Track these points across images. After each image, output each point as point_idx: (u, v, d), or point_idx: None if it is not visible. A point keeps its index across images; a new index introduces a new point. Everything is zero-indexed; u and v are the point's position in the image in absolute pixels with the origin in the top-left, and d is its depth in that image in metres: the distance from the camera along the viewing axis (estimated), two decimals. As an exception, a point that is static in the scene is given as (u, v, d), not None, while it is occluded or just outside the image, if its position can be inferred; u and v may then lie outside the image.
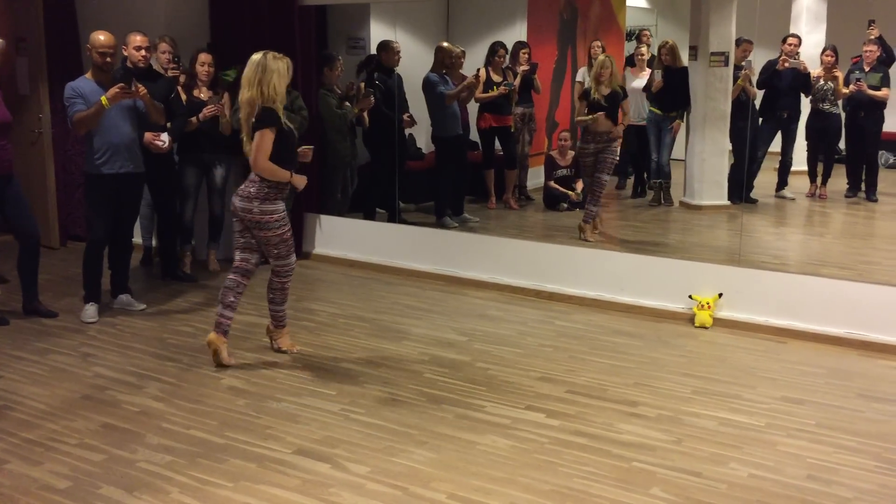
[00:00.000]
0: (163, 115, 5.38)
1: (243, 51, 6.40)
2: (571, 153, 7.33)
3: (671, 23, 8.09)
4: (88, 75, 5.16)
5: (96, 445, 3.60)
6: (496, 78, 7.24)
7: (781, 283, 5.15)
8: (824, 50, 6.85)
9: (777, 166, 7.15)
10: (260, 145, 4.28)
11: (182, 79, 6.06)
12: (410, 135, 7.65)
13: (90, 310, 5.32)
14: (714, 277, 5.31)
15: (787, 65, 6.82)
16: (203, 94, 6.11)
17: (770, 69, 6.92)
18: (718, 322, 5.22)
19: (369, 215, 7.05)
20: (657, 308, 5.46)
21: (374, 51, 7.12)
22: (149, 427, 3.78)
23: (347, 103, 6.92)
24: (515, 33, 7.69)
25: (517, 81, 7.25)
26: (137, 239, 6.43)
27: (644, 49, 7.60)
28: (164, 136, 5.58)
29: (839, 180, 7.02)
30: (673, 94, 7.08)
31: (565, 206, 7.31)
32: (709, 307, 5.21)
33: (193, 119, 5.96)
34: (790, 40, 6.89)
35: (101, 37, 5.11)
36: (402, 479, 3.31)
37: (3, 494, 3.19)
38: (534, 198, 7.77)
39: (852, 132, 6.91)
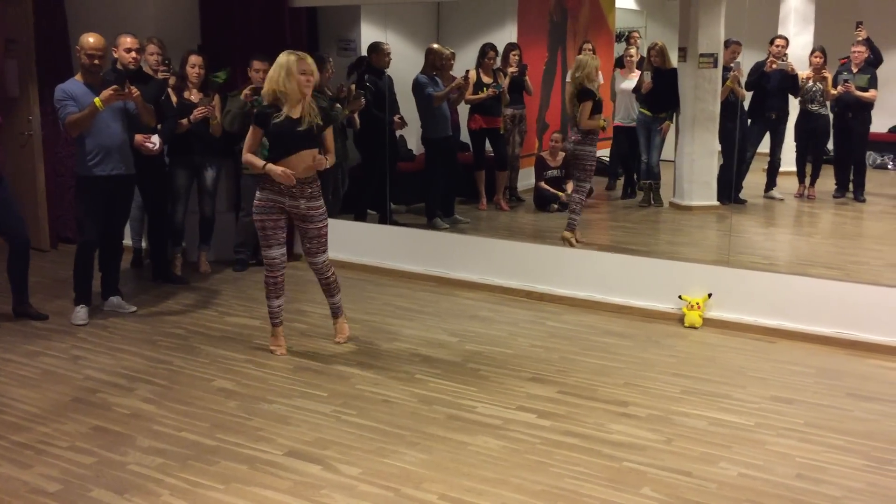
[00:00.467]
0: (153, 117, 5.37)
1: (233, 53, 6.47)
2: (562, 154, 7.35)
3: (660, 24, 8.13)
4: (77, 77, 5.15)
5: (87, 448, 3.59)
6: (486, 79, 7.26)
7: (770, 283, 5.18)
8: (813, 51, 6.89)
9: (766, 167, 7.19)
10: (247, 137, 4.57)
11: (172, 80, 6.05)
12: (401, 136, 7.66)
13: (81, 312, 5.31)
14: (704, 278, 5.33)
15: (774, 66, 6.86)
16: (193, 95, 6.11)
17: (758, 70, 6.96)
18: (708, 322, 5.24)
19: (360, 217, 7.05)
20: (647, 308, 5.48)
21: (364, 52, 7.13)
22: (139, 429, 3.77)
23: (338, 105, 6.91)
24: (506, 35, 7.71)
25: (506, 83, 7.27)
26: (127, 241, 6.41)
27: (633, 50, 7.64)
28: (155, 138, 5.57)
29: (827, 181, 7.06)
30: (662, 96, 7.11)
31: (556, 206, 7.33)
32: (698, 307, 5.23)
33: (184, 121, 5.95)
34: (778, 42, 6.93)
35: (90, 39, 5.10)
36: (394, 480, 3.32)
37: (-6, 498, 3.19)
38: (524, 199, 7.79)
39: (840, 133, 6.95)
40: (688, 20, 6.73)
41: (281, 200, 4.56)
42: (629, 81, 7.52)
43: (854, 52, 6.70)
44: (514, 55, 7.33)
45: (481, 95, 7.23)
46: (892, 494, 3.22)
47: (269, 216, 4.59)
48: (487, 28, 7.81)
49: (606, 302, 5.61)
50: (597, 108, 6.23)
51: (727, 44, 6.75)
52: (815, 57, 6.83)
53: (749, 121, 7.08)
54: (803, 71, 6.90)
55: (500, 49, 7.37)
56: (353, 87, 6.96)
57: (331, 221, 6.70)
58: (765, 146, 7.17)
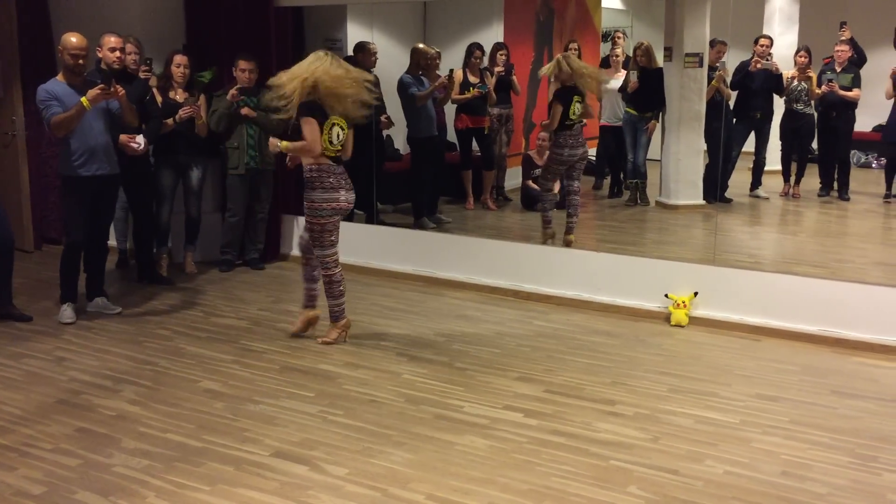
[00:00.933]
0: (136, 117, 5.34)
1: (218, 52, 6.45)
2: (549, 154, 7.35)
3: (646, 24, 8.15)
4: (59, 77, 5.10)
5: (72, 450, 3.57)
6: (473, 79, 7.26)
7: (756, 282, 5.21)
8: (798, 51, 6.93)
9: (751, 166, 7.23)
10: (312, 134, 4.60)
11: (153, 80, 6.02)
12: (388, 136, 7.65)
13: (67, 311, 5.28)
14: (690, 276, 5.35)
15: (759, 66, 6.89)
16: (179, 95, 6.08)
17: (743, 70, 6.99)
18: (694, 321, 5.26)
19: (347, 216, 7.03)
20: (634, 307, 5.49)
21: (351, 52, 7.11)
22: (125, 431, 3.75)
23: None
24: (492, 34, 7.72)
25: (493, 83, 7.27)
26: (112, 242, 6.38)
27: (619, 50, 7.65)
28: (140, 138, 5.54)
29: (812, 179, 7.10)
30: (648, 95, 7.13)
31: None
32: (685, 306, 5.25)
33: (169, 121, 5.93)
34: (762, 41, 6.96)
35: (72, 38, 5.06)
36: (381, 480, 3.31)
37: (-23, 501, 3.16)
38: (511, 198, 7.80)
39: (825, 132, 7.00)
40: (673, 20, 6.75)
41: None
42: (615, 81, 7.53)
43: (837, 51, 6.75)
44: (501, 55, 7.33)
45: (467, 95, 7.24)
46: (876, 491, 3.25)
47: (336, 218, 4.79)
48: (474, 27, 7.81)
49: (593, 301, 5.62)
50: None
51: (712, 43, 6.78)
52: (800, 56, 6.87)
53: (734, 120, 7.11)
54: (788, 70, 6.94)
55: (487, 48, 7.38)
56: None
57: (317, 221, 6.78)
58: (750, 145, 7.21)
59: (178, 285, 6.10)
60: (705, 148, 6.92)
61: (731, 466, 3.43)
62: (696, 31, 6.66)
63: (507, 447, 3.59)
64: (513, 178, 7.85)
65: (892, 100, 6.55)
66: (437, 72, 7.21)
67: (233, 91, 6.07)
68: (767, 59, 6.89)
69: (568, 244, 6.22)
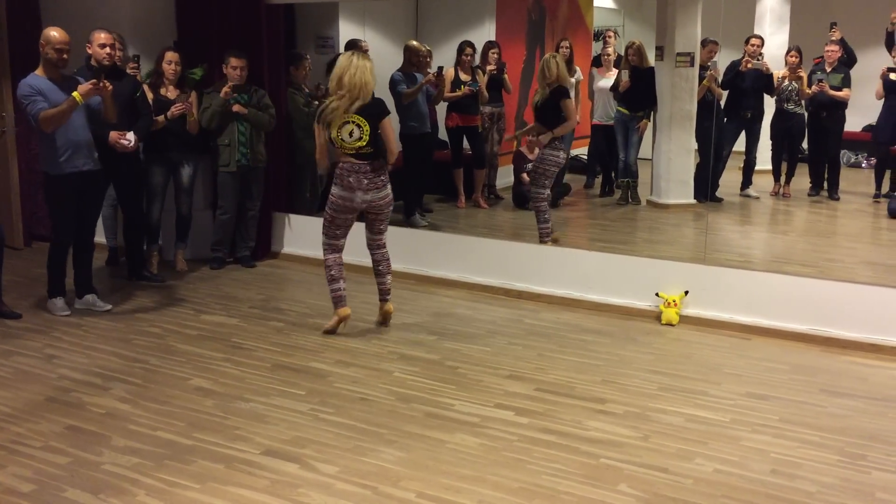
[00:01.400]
0: (116, 114, 5.27)
1: (210, 49, 6.43)
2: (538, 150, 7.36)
3: (638, 23, 8.17)
4: (39, 72, 5.04)
5: (61, 448, 3.55)
6: (464, 77, 7.26)
7: (746, 281, 5.23)
8: (789, 51, 6.96)
9: (742, 165, 7.25)
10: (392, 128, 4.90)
11: (138, 76, 6.00)
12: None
13: (58, 303, 5.28)
14: (680, 275, 5.36)
15: (750, 65, 6.92)
16: (170, 92, 6.06)
17: (733, 70, 7.02)
18: (685, 319, 5.28)
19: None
20: (625, 306, 5.51)
21: (342, 50, 7.10)
22: (115, 429, 3.74)
23: (317, 102, 6.89)
24: (484, 33, 7.72)
25: (484, 81, 7.28)
26: (102, 239, 6.36)
27: (610, 49, 7.66)
28: (130, 135, 5.52)
29: (802, 179, 7.13)
30: (640, 94, 7.15)
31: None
32: (675, 305, 5.27)
33: (160, 118, 5.91)
34: (753, 41, 6.99)
35: (55, 33, 5.01)
36: (372, 478, 3.31)
37: (-34, 499, 3.15)
38: (503, 197, 7.80)
39: (815, 132, 7.03)
40: (665, 19, 6.77)
41: None
42: (607, 80, 7.55)
43: (828, 51, 6.78)
44: (493, 53, 7.33)
45: (457, 93, 7.23)
46: (864, 489, 3.26)
47: None
48: (466, 26, 7.81)
49: (584, 299, 5.63)
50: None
51: (704, 43, 6.80)
52: (791, 56, 6.90)
53: (725, 119, 7.13)
54: (779, 70, 6.97)
55: (479, 47, 7.38)
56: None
57: (309, 219, 6.78)
58: (740, 145, 7.24)
59: (169, 283, 6.08)
60: (696, 147, 6.94)
61: (721, 465, 3.45)
62: (687, 31, 6.68)
63: (498, 445, 3.60)
64: (504, 176, 7.85)
65: (882, 100, 6.58)
66: (429, 69, 7.22)
67: (226, 89, 6.05)
68: (758, 59, 6.92)
69: (555, 241, 6.23)
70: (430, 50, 7.35)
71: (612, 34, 7.82)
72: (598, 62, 7.79)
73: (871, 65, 6.60)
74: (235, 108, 6.13)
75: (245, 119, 6.20)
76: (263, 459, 3.46)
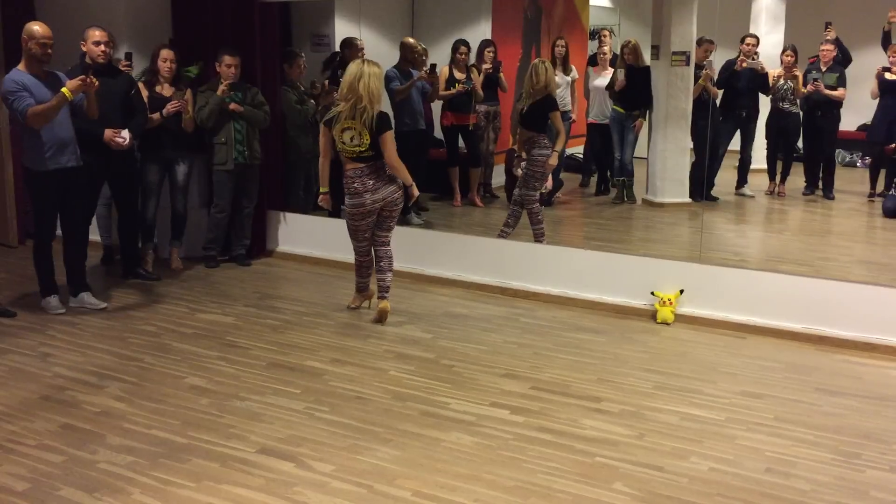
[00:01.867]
0: (98, 110, 5.22)
1: (205, 47, 6.41)
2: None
3: (634, 22, 8.17)
4: (21, 67, 4.98)
5: (56, 446, 3.55)
6: (459, 76, 7.25)
7: (741, 280, 5.23)
8: (784, 50, 6.96)
9: (737, 164, 7.26)
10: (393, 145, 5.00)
11: (130, 72, 6.00)
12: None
13: (52, 301, 5.27)
14: (676, 274, 5.37)
15: (745, 65, 6.93)
16: (165, 90, 6.05)
17: (729, 69, 7.02)
18: (680, 318, 5.29)
19: (333, 213, 7.02)
20: (620, 304, 5.51)
21: (338, 48, 7.10)
22: (110, 427, 3.73)
23: (312, 101, 6.89)
24: (480, 31, 7.71)
25: (479, 80, 7.27)
26: (96, 237, 6.34)
27: (606, 48, 7.67)
28: (125, 133, 5.51)
29: (797, 178, 7.15)
30: (635, 93, 7.15)
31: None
32: (670, 303, 5.27)
33: (155, 115, 5.89)
34: (748, 40, 6.99)
35: (38, 28, 4.96)
36: (367, 476, 3.31)
37: (-40, 497, 3.14)
38: (499, 195, 7.80)
39: (810, 131, 7.04)
40: (660, 18, 6.78)
41: None
42: (602, 79, 7.55)
43: (823, 50, 6.79)
44: (489, 52, 7.33)
45: (451, 91, 7.23)
46: (859, 488, 3.27)
47: None
48: (462, 24, 7.81)
49: (580, 298, 5.64)
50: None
51: (699, 42, 6.80)
52: (787, 56, 6.91)
53: (720, 118, 7.14)
54: (774, 69, 6.97)
55: (475, 45, 7.37)
56: (327, 83, 6.93)
57: (303, 217, 6.78)
58: (736, 144, 7.25)
59: (164, 281, 6.07)
60: (692, 146, 6.95)
61: (716, 463, 3.45)
62: (683, 30, 6.69)
63: (494, 444, 3.60)
64: (500, 175, 7.85)
65: (877, 99, 6.60)
66: (425, 67, 7.21)
67: (222, 87, 6.04)
68: (753, 58, 6.93)
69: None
70: (426, 48, 7.34)
71: (607, 33, 7.82)
72: (594, 61, 7.79)
73: (866, 64, 6.61)
74: (232, 106, 6.12)
75: (241, 117, 6.19)
76: (259, 458, 3.45)
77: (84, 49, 5.54)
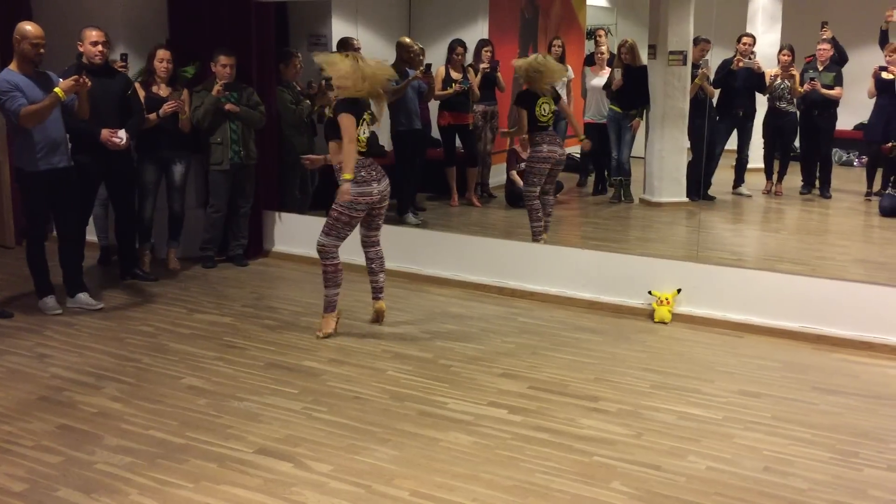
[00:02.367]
0: (88, 111, 5.20)
1: (202, 47, 6.40)
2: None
3: (631, 22, 8.19)
4: (12, 67, 4.97)
5: (53, 447, 3.54)
6: (455, 76, 7.25)
7: (738, 279, 5.24)
8: (781, 49, 6.98)
9: (734, 164, 7.27)
10: (347, 129, 4.70)
11: (126, 72, 5.99)
12: (373, 132, 7.62)
13: (49, 302, 5.26)
14: (673, 273, 5.37)
15: (741, 64, 6.94)
16: (162, 90, 6.04)
17: (725, 68, 7.04)
18: (677, 317, 5.29)
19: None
20: (618, 304, 5.51)
21: (335, 48, 7.09)
22: (107, 428, 3.73)
23: (308, 101, 6.88)
24: (477, 31, 7.72)
25: (476, 79, 7.28)
26: (93, 238, 6.33)
27: (604, 48, 7.68)
28: (122, 133, 5.50)
29: (794, 177, 7.16)
30: (632, 93, 7.16)
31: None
32: (668, 303, 5.28)
33: (152, 116, 5.89)
34: (745, 40, 7.01)
35: (30, 27, 4.95)
36: (365, 476, 3.31)
37: (-43, 498, 3.13)
38: (496, 195, 7.81)
39: (807, 130, 7.06)
40: (657, 18, 6.79)
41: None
42: (600, 78, 7.56)
43: (819, 49, 6.80)
44: (487, 52, 7.34)
45: (448, 92, 7.23)
46: (856, 486, 3.28)
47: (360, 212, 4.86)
48: (459, 24, 7.81)
49: (577, 298, 5.64)
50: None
51: (696, 41, 6.82)
52: (783, 55, 6.93)
53: (717, 118, 7.15)
54: (770, 69, 6.99)
55: (472, 45, 7.38)
56: (323, 82, 6.92)
57: (300, 218, 6.77)
58: (733, 143, 7.26)
59: (161, 281, 6.06)
60: (688, 145, 6.96)
61: (714, 462, 3.46)
62: (680, 29, 6.70)
63: (492, 443, 3.60)
64: (497, 174, 7.86)
65: (874, 98, 6.61)
66: (420, 67, 7.22)
67: (218, 87, 6.04)
68: (750, 58, 6.94)
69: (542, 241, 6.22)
70: (423, 48, 7.35)
71: (602, 33, 7.84)
72: (591, 61, 7.81)
73: (863, 63, 6.63)
74: (228, 106, 6.11)
75: (237, 117, 6.18)
76: (257, 458, 3.45)
77: (81, 49, 5.53)
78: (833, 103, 6.81)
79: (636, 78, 7.06)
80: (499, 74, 7.42)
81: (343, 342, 4.88)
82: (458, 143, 7.50)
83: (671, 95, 6.79)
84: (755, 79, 6.99)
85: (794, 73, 6.91)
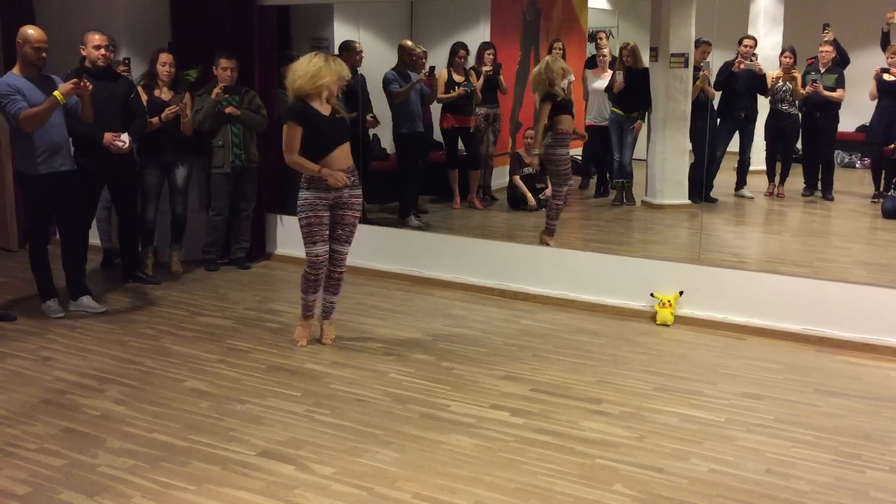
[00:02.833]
0: (93, 114, 5.21)
1: (204, 50, 6.42)
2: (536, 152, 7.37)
3: (632, 24, 8.18)
4: (15, 71, 5.00)
5: (56, 450, 3.55)
6: (458, 78, 7.26)
7: (740, 281, 5.24)
8: (783, 51, 6.97)
9: (736, 166, 7.27)
10: (284, 139, 4.50)
11: (130, 76, 6.00)
12: (375, 135, 7.65)
13: (52, 305, 5.27)
14: (675, 276, 5.37)
15: (742, 66, 6.93)
16: (164, 94, 6.06)
17: (726, 70, 7.03)
18: (679, 319, 5.29)
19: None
20: (620, 306, 5.51)
21: (337, 51, 7.10)
22: (110, 431, 3.74)
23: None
24: (479, 34, 7.73)
25: (479, 82, 7.29)
26: (96, 241, 6.35)
27: (605, 50, 7.68)
28: (125, 137, 5.52)
29: (797, 179, 7.15)
30: (634, 95, 7.16)
31: (536, 201, 7.31)
32: (670, 305, 5.28)
33: (154, 119, 5.90)
34: (746, 42, 7.00)
35: (32, 31, 4.97)
36: (368, 479, 3.31)
37: (-39, 501, 3.14)
38: (498, 198, 7.81)
39: (809, 132, 7.05)
40: (659, 20, 6.78)
41: (326, 196, 4.58)
42: (601, 81, 7.56)
43: (821, 52, 6.80)
44: (489, 54, 7.34)
45: (452, 94, 7.24)
46: (859, 489, 3.27)
47: (316, 213, 4.58)
48: (460, 27, 7.82)
49: (579, 300, 5.64)
50: (558, 109, 6.09)
51: (697, 43, 6.81)
52: (785, 57, 6.92)
53: (718, 120, 7.15)
54: (772, 71, 6.98)
55: (473, 48, 7.39)
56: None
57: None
58: (735, 145, 7.25)
59: (164, 284, 6.07)
60: (690, 148, 6.95)
61: (716, 464, 3.46)
62: (681, 32, 6.70)
63: (494, 446, 3.60)
64: (499, 177, 7.86)
65: (876, 100, 6.60)
66: (423, 70, 7.22)
67: (216, 90, 6.05)
68: (751, 60, 6.93)
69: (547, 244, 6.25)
70: (426, 51, 7.36)
71: (603, 35, 7.83)
72: (592, 63, 7.81)
73: (865, 65, 6.62)
74: (228, 109, 6.13)
75: (238, 120, 6.20)
76: (259, 461, 3.46)
77: (84, 53, 5.54)
78: (835, 105, 6.80)
79: (638, 80, 7.06)
80: (501, 77, 7.43)
81: (345, 345, 4.88)
82: (460, 145, 7.51)
83: (673, 98, 6.79)
84: (756, 81, 6.98)
85: (796, 75, 6.90)
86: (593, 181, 7.91)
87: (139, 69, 6.32)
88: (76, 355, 4.68)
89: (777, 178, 7.20)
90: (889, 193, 6.57)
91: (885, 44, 6.49)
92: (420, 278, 6.21)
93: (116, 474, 3.34)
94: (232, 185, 6.34)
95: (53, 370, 4.46)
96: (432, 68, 6.96)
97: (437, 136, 7.64)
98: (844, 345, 4.85)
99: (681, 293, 5.32)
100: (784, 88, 6.98)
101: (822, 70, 6.83)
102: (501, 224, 7.57)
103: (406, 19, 8.08)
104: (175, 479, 3.31)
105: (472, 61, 7.38)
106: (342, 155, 4.59)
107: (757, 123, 7.22)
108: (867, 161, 7.15)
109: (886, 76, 6.46)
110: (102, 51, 5.50)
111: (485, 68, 7.29)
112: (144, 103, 5.91)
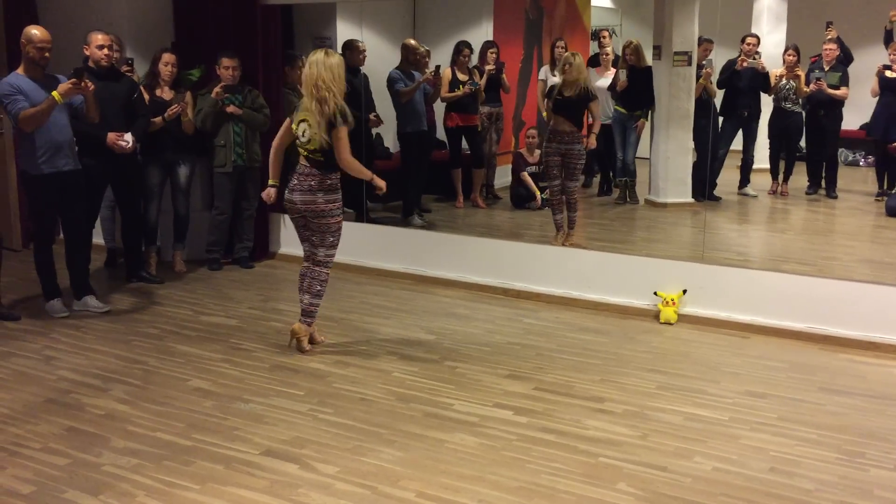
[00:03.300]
0: (98, 113, 5.21)
1: (207, 50, 6.43)
2: (538, 151, 7.37)
3: (635, 22, 8.17)
4: (20, 71, 5.01)
5: (61, 449, 3.55)
6: (462, 77, 7.26)
7: (744, 279, 5.23)
8: (786, 49, 6.96)
9: (739, 164, 7.26)
10: (344, 142, 4.48)
11: (135, 78, 6.00)
12: (378, 134, 7.65)
13: (55, 304, 5.27)
14: (678, 274, 5.37)
15: (745, 64, 6.92)
16: (166, 93, 6.06)
17: (729, 69, 7.02)
18: (683, 318, 5.28)
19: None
20: (623, 305, 5.51)
21: (340, 50, 7.11)
22: (114, 430, 3.74)
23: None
24: (482, 33, 7.73)
25: (483, 81, 7.28)
26: (100, 240, 6.36)
27: (608, 49, 7.67)
28: (128, 136, 5.52)
29: (800, 177, 7.14)
30: (637, 94, 7.15)
31: (541, 200, 7.31)
32: (673, 303, 5.27)
33: (157, 119, 5.91)
34: (749, 40, 6.99)
35: (36, 31, 4.98)
36: (371, 478, 3.31)
37: (-35, 500, 3.15)
38: (501, 197, 7.81)
39: (812, 130, 7.04)
40: (662, 18, 6.78)
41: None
42: (604, 79, 7.55)
43: (825, 50, 6.79)
44: (492, 53, 7.34)
45: (457, 93, 7.24)
46: (863, 487, 3.27)
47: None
48: (463, 26, 7.82)
49: (583, 299, 5.64)
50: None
51: (699, 41, 6.81)
52: (789, 55, 6.91)
53: (721, 118, 7.14)
54: (776, 69, 6.97)
55: (477, 47, 7.38)
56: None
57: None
58: (738, 143, 7.24)
59: (167, 284, 6.08)
60: (693, 146, 6.94)
61: (720, 463, 3.45)
62: (684, 30, 6.69)
63: (497, 445, 3.60)
64: (502, 176, 7.86)
65: (878, 97, 6.60)
66: (427, 69, 7.22)
67: (217, 89, 6.05)
68: (754, 58, 6.92)
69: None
70: (429, 50, 7.36)
71: (606, 34, 7.83)
72: (595, 62, 7.80)
73: (868, 63, 6.61)
74: (230, 108, 6.13)
75: (240, 119, 6.20)
76: (263, 460, 3.46)
77: (87, 53, 5.55)
78: (839, 103, 6.79)
79: (641, 79, 7.06)
80: (504, 76, 7.43)
81: (348, 344, 4.88)
82: (463, 144, 7.51)
83: (676, 96, 6.78)
84: (759, 79, 6.97)
85: (800, 73, 6.89)
86: (596, 180, 7.91)
87: (142, 69, 6.33)
88: (80, 354, 4.69)
89: (780, 177, 7.19)
90: (893, 191, 6.56)
91: (888, 41, 6.49)
92: (423, 277, 6.21)
93: (120, 473, 3.35)
94: (234, 184, 6.34)
95: (57, 369, 4.47)
96: (437, 67, 6.97)
97: (440, 134, 7.63)
98: (848, 343, 4.85)
99: (684, 292, 5.32)
100: (787, 86, 6.97)
101: (826, 68, 6.82)
102: (505, 223, 7.57)
103: (409, 18, 8.08)
104: (179, 477, 3.31)
105: (475, 60, 7.38)
106: None
107: (760, 121, 7.21)
108: (871, 159, 7.13)
109: (888, 73, 6.46)
110: (106, 50, 5.50)
111: (488, 67, 7.29)
112: (146, 103, 5.91)
